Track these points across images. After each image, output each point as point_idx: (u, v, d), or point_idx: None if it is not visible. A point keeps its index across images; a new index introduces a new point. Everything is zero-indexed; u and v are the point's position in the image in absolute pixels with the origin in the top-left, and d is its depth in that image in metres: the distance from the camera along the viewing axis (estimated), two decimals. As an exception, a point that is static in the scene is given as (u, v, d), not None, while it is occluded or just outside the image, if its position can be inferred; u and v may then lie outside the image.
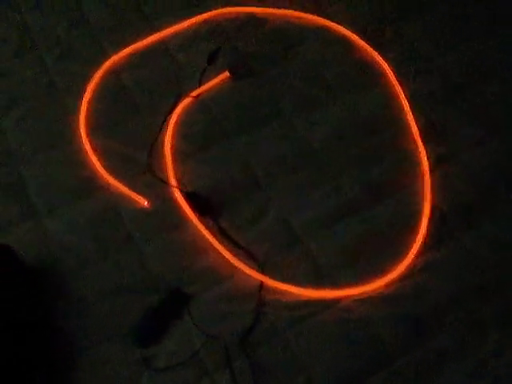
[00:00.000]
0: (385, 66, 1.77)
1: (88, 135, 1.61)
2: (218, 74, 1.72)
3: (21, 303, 1.35)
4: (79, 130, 1.61)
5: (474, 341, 1.41)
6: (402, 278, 1.47)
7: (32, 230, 1.48)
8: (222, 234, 1.50)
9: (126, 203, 1.53)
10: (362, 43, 1.81)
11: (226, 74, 1.73)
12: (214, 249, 1.48)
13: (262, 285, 1.44)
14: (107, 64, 1.72)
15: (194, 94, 1.69)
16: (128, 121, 1.65)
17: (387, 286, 1.46)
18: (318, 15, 1.85)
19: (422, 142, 1.65)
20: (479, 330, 1.42)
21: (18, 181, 1.55)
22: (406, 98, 1.72)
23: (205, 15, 1.82)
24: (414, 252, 1.49)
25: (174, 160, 1.59)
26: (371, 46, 1.80)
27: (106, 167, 1.56)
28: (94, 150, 1.59)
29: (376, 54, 1.79)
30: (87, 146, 1.59)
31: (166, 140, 1.62)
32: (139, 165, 1.58)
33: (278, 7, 1.86)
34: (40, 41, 1.77)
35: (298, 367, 1.36)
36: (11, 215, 1.50)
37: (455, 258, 1.50)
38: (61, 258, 1.45)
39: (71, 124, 1.63)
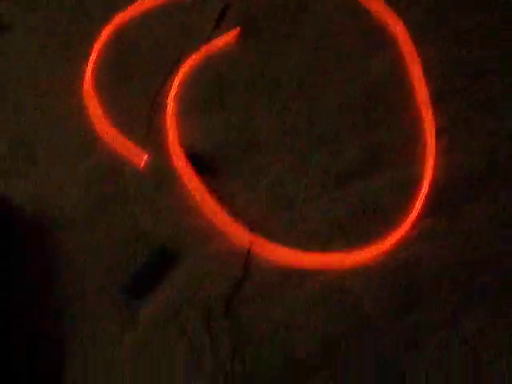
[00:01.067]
0: (401, 29, 1.71)
1: (93, 90, 1.62)
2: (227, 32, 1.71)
3: (12, 254, 1.40)
4: (84, 84, 1.62)
5: (463, 314, 1.39)
6: (396, 247, 1.45)
7: (29, 185, 1.50)
8: (217, 195, 1.50)
9: (124, 160, 1.54)
10: (377, 4, 1.75)
11: (237, 29, 1.70)
12: (207, 209, 1.48)
13: (250, 247, 1.44)
14: (116, 20, 1.71)
15: (202, 50, 1.67)
16: (135, 78, 1.65)
17: (379, 255, 1.44)
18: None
19: (429, 110, 1.60)
20: (470, 304, 1.40)
21: (21, 134, 1.57)
22: (418, 65, 1.66)
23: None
24: (410, 222, 1.46)
25: (176, 118, 1.59)
26: (386, 8, 1.74)
27: (108, 123, 1.57)
28: (97, 105, 1.59)
29: (392, 14, 1.73)
30: (91, 101, 1.60)
31: (169, 97, 1.61)
32: (141, 121, 1.59)
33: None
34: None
35: (279, 330, 1.36)
36: (12, 169, 1.53)
37: (452, 231, 1.47)
38: (57, 213, 1.47)
39: (77, 79, 1.64)
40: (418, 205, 1.49)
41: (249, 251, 1.43)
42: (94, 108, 1.59)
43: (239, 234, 1.45)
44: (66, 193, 1.50)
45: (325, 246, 1.45)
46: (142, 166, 1.53)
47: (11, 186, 1.50)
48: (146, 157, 1.53)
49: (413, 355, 1.34)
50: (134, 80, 1.65)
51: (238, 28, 1.70)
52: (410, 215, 1.47)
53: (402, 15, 1.73)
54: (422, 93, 1.62)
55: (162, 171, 1.53)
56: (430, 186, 1.51)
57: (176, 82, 1.63)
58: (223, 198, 1.49)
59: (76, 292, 1.39)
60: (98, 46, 1.68)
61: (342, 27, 1.73)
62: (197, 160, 1.54)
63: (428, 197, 1.50)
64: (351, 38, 1.71)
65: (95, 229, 1.46)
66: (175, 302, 1.38)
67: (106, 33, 1.70)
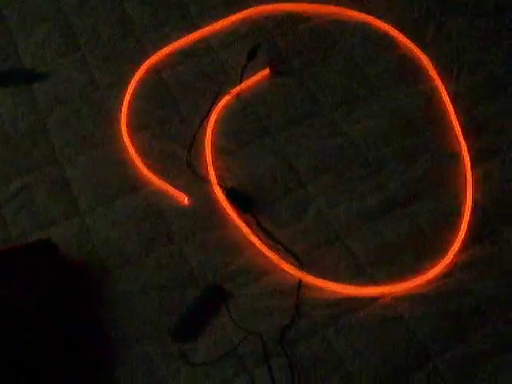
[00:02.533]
0: (427, 62, 1.75)
1: (130, 133, 1.63)
2: (258, 71, 1.73)
3: (62, 297, 1.38)
4: (121, 128, 1.64)
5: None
6: (443, 275, 1.45)
7: (75, 228, 1.51)
8: (262, 231, 1.50)
9: (167, 201, 1.55)
10: (403, 39, 1.79)
11: (266, 71, 1.73)
12: (254, 246, 1.48)
13: (300, 282, 1.44)
14: (148, 62, 1.74)
15: (235, 91, 1.70)
16: (169, 118, 1.67)
17: (427, 283, 1.44)
18: (359, 11, 1.84)
19: (463, 138, 1.63)
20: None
21: (61, 179, 1.58)
22: (449, 95, 1.70)
23: (245, 13, 1.83)
24: (455, 249, 1.48)
25: (215, 157, 1.61)
26: (413, 42, 1.78)
27: (147, 165, 1.59)
28: (136, 148, 1.61)
29: (418, 49, 1.77)
30: (129, 145, 1.61)
31: (206, 137, 1.63)
32: (180, 162, 1.60)
33: (319, 4, 1.85)
34: (83, 41, 1.80)
35: (337, 364, 1.35)
36: (55, 213, 1.53)
37: (497, 256, 1.48)
38: (103, 255, 1.48)
39: (113, 123, 1.66)
40: (461, 233, 1.50)
41: (299, 285, 1.43)
42: (132, 151, 1.60)
43: (288, 269, 1.45)
44: (109, 235, 1.50)
45: (372, 277, 1.46)
46: (185, 206, 1.53)
47: (55, 231, 1.50)
48: (186, 199, 1.54)
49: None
50: (169, 122, 1.67)
51: (268, 68, 1.73)
52: (454, 244, 1.48)
53: (426, 49, 1.78)
54: (455, 122, 1.65)
55: (205, 211, 1.54)
56: (470, 214, 1.52)
57: (211, 123, 1.65)
58: (269, 234, 1.50)
59: (129, 334, 1.38)
60: (130, 90, 1.70)
61: (370, 61, 1.77)
62: (237, 198, 1.54)
63: (469, 225, 1.51)
64: (381, 71, 1.75)
65: (144, 269, 1.46)
66: (230, 338, 1.37)
67: (138, 76, 1.72)
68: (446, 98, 1.69)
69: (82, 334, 1.37)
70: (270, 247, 1.48)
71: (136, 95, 1.70)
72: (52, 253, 1.42)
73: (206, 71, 1.75)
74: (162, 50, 1.76)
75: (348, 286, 1.44)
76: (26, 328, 1.31)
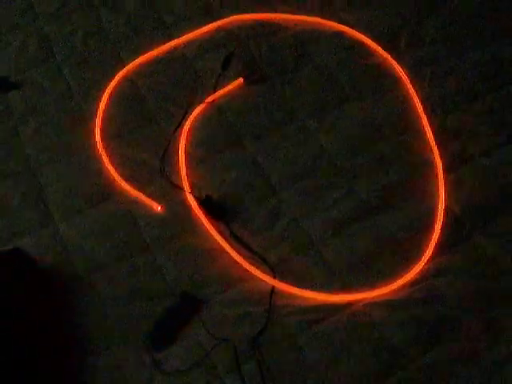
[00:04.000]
0: (399, 69, 1.76)
1: (103, 142, 1.64)
2: (232, 80, 1.74)
3: (33, 304, 1.38)
4: (95, 137, 1.65)
5: (488, 347, 1.39)
6: (415, 282, 1.46)
7: (49, 236, 1.52)
8: (235, 239, 1.51)
9: (140, 209, 1.55)
10: (376, 47, 1.80)
11: (240, 80, 1.74)
12: (227, 253, 1.49)
13: (273, 289, 1.44)
14: (123, 72, 1.75)
15: (209, 99, 1.71)
16: (143, 127, 1.68)
17: (400, 290, 1.45)
18: (332, 20, 1.85)
19: (435, 145, 1.64)
20: (493, 336, 1.40)
21: (35, 188, 1.58)
22: (421, 102, 1.71)
23: (219, 22, 1.85)
24: (428, 256, 1.49)
25: (188, 165, 1.62)
26: (386, 50, 1.80)
27: (120, 173, 1.59)
28: (110, 156, 1.62)
29: (391, 58, 1.78)
30: (103, 153, 1.62)
31: (180, 145, 1.64)
32: (153, 170, 1.61)
33: (292, 13, 1.86)
34: (57, 50, 1.81)
35: (309, 371, 1.35)
36: (29, 221, 1.53)
37: (469, 262, 1.48)
38: (77, 263, 1.48)
39: (87, 132, 1.66)
40: (434, 240, 1.51)
41: (272, 292, 1.44)
42: (105, 160, 1.61)
43: (262, 277, 1.46)
44: (83, 244, 1.51)
45: (345, 283, 1.46)
46: (158, 214, 1.54)
47: (28, 239, 1.51)
48: (159, 207, 1.54)
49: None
50: (143, 131, 1.67)
51: (242, 78, 1.74)
52: (426, 250, 1.49)
53: (399, 57, 1.79)
54: (428, 129, 1.67)
55: (178, 219, 1.54)
56: (443, 221, 1.53)
57: (185, 132, 1.66)
58: (242, 242, 1.50)
59: (101, 342, 1.38)
60: (105, 99, 1.71)
61: (343, 69, 1.78)
62: (211, 206, 1.55)
63: (442, 231, 1.52)
64: (354, 79, 1.76)
65: (117, 277, 1.46)
66: (202, 345, 1.38)
67: (113, 85, 1.73)
68: (418, 106, 1.70)
69: (53, 342, 1.37)
70: (243, 255, 1.48)
71: (110, 104, 1.71)
72: (19, 258, 1.42)
73: (181, 80, 1.76)
74: (136, 59, 1.77)
75: (321, 293, 1.44)
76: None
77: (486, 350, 1.38)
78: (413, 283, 1.46)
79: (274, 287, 1.44)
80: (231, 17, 1.85)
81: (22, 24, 1.86)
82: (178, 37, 1.82)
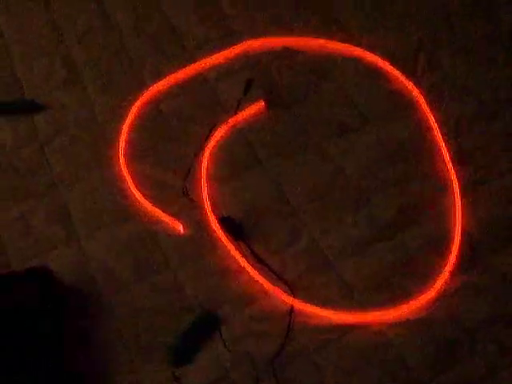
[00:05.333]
0: (417, 93, 1.79)
1: (127, 162, 1.68)
2: (252, 103, 1.77)
3: (57, 321, 1.41)
4: (119, 157, 1.69)
5: (506, 367, 1.40)
6: (433, 302, 1.47)
7: (73, 253, 1.55)
8: (255, 258, 1.53)
9: (162, 228, 1.58)
10: (394, 71, 1.83)
11: (261, 103, 1.77)
12: (246, 272, 1.51)
13: (292, 307, 1.46)
14: (146, 94, 1.79)
15: (230, 121, 1.74)
16: (166, 148, 1.72)
17: (417, 310, 1.46)
18: (351, 44, 1.88)
19: (452, 167, 1.65)
20: (509, 358, 1.40)
21: (60, 206, 1.62)
22: (438, 124, 1.73)
23: (240, 46, 1.88)
24: (445, 277, 1.50)
25: (210, 185, 1.65)
26: (404, 74, 1.82)
27: (143, 193, 1.63)
28: (133, 176, 1.65)
29: (408, 81, 1.81)
30: (126, 173, 1.66)
31: (202, 166, 1.67)
32: (175, 190, 1.64)
33: (311, 38, 1.90)
34: (83, 73, 1.86)
35: (326, 388, 1.38)
36: (54, 239, 1.57)
37: (486, 283, 1.49)
38: (100, 280, 1.52)
39: (111, 152, 1.70)
40: (451, 261, 1.52)
41: (291, 311, 1.46)
42: (129, 179, 1.65)
43: (280, 295, 1.48)
44: (106, 261, 1.54)
45: (363, 303, 1.48)
46: (179, 233, 1.57)
47: (53, 256, 1.54)
48: (181, 226, 1.57)
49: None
50: (166, 152, 1.71)
51: (262, 101, 1.77)
52: (443, 271, 1.51)
53: (416, 80, 1.81)
54: (445, 151, 1.68)
55: (199, 238, 1.57)
56: (460, 242, 1.55)
57: (207, 153, 1.69)
58: (261, 261, 1.53)
59: (123, 358, 1.41)
60: (129, 121, 1.75)
61: (361, 93, 1.80)
62: (231, 225, 1.58)
63: (459, 252, 1.53)
64: (371, 102, 1.78)
65: (138, 295, 1.49)
66: (221, 362, 1.40)
67: (137, 107, 1.77)
68: (435, 127, 1.72)
69: (73, 359, 1.40)
70: (262, 273, 1.51)
71: (134, 126, 1.75)
72: (45, 277, 1.45)
73: (203, 103, 1.80)
74: (159, 82, 1.81)
75: (338, 312, 1.46)
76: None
77: (503, 371, 1.39)
78: (429, 304, 1.47)
79: (292, 306, 1.46)
80: (252, 40, 1.89)
81: (48, 48, 1.92)
82: (200, 60, 1.86)
